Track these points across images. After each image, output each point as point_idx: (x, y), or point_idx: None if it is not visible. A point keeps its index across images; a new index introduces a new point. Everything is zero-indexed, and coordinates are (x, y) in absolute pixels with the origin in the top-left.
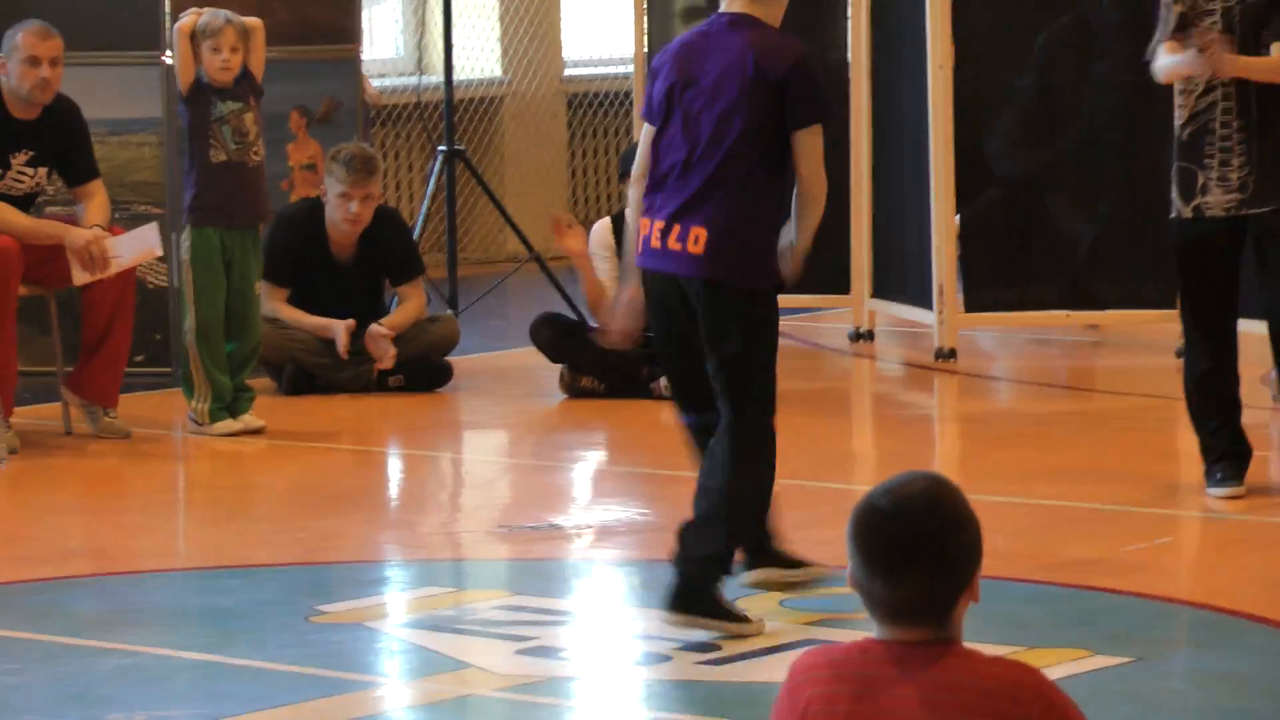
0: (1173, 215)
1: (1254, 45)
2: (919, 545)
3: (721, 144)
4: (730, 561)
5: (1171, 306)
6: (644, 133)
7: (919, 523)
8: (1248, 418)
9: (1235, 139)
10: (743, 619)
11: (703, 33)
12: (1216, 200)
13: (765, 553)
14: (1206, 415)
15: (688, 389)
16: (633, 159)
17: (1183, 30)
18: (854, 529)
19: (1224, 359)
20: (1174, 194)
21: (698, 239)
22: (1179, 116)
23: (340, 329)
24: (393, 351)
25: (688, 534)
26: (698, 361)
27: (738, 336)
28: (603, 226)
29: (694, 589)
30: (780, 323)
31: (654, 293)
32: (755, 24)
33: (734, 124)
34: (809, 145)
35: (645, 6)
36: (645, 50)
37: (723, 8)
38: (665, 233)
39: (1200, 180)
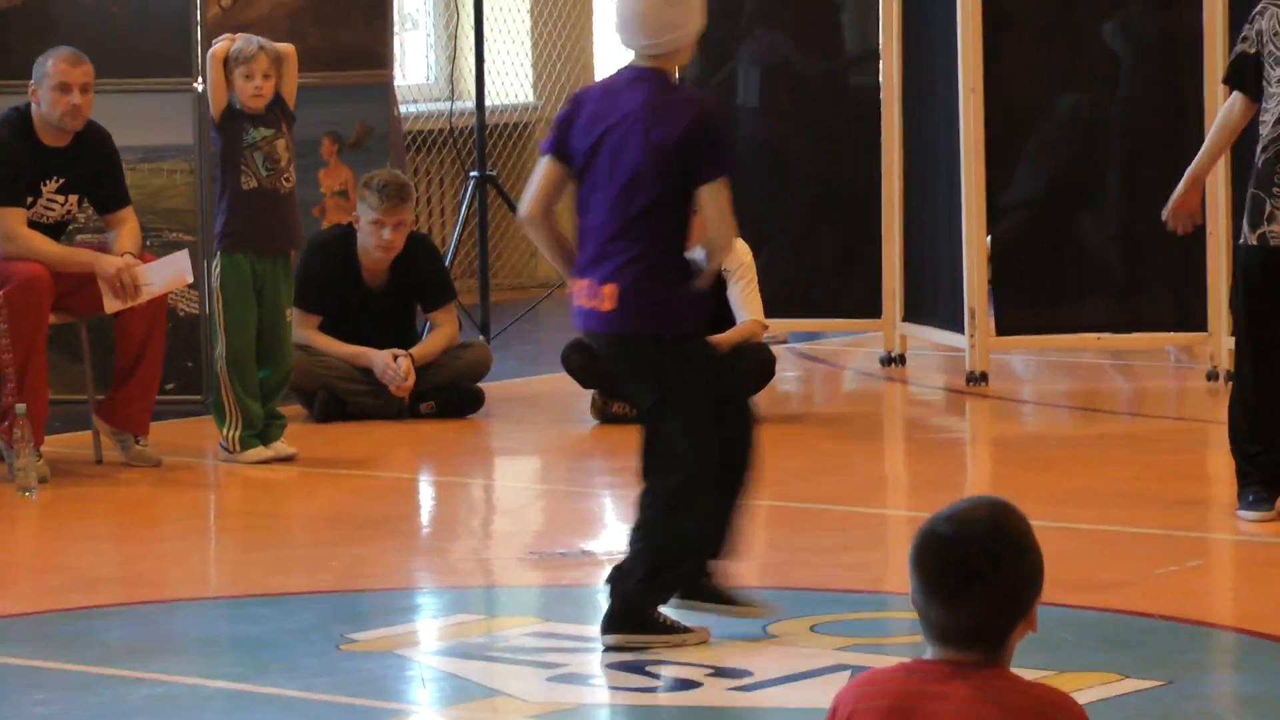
0: (1239, 241)
1: None
2: (977, 569)
3: (626, 205)
4: (667, 583)
5: (1200, 329)
6: (543, 166)
7: (978, 546)
8: None
9: None
10: (679, 630)
11: (609, 88)
12: None
13: (698, 589)
14: (1249, 439)
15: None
16: None
17: (1246, 73)
18: (915, 552)
19: (1275, 386)
20: (1244, 220)
21: (608, 296)
22: (1260, 144)
23: (378, 358)
24: (408, 384)
25: (622, 567)
26: None
27: (655, 387)
28: None
29: (626, 608)
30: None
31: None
32: (656, 78)
33: (636, 186)
34: (714, 199)
35: None
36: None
37: (629, 62)
38: (586, 291)
39: (1268, 208)
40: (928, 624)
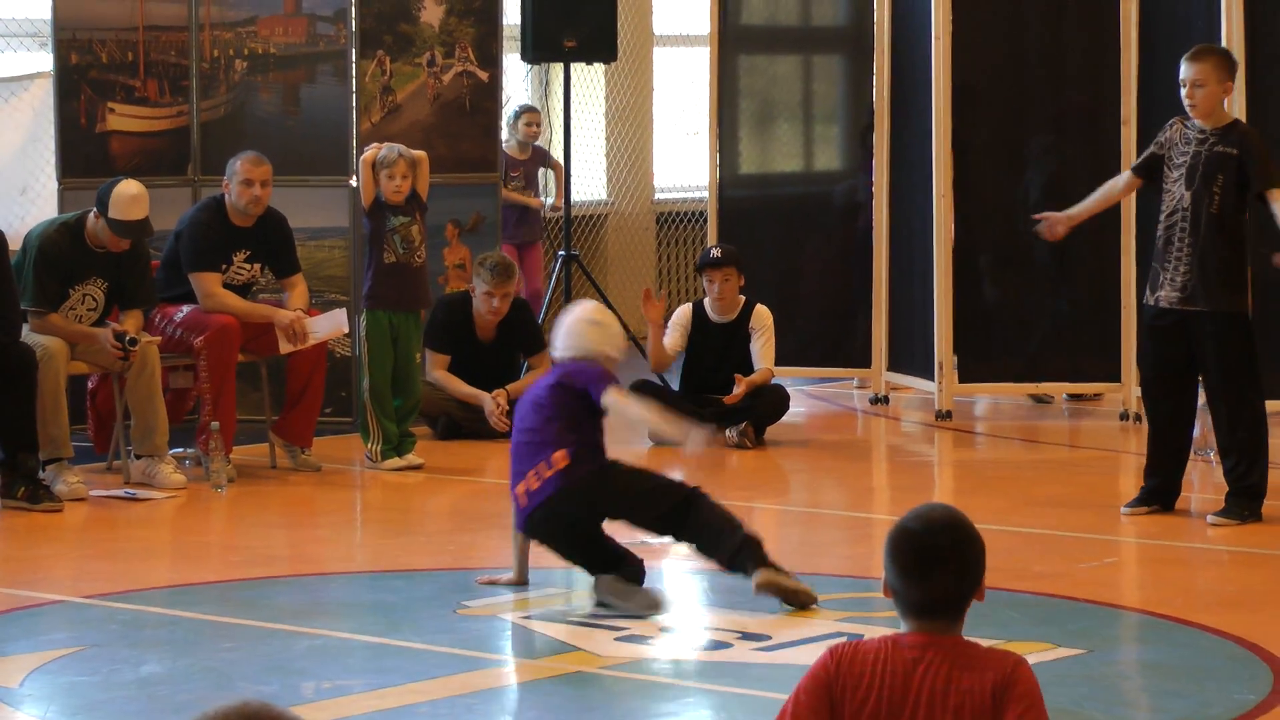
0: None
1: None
2: (944, 552)
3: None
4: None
5: (1115, 379)
6: None
7: (943, 536)
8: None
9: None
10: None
11: None
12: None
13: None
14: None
15: None
16: (706, 260)
17: (1149, 166)
18: (891, 545)
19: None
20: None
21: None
22: (1158, 228)
23: (488, 400)
24: (507, 422)
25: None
26: None
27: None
28: (685, 309)
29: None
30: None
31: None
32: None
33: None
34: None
35: (719, 145)
36: (718, 178)
37: None
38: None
39: (1161, 278)
40: (903, 602)
